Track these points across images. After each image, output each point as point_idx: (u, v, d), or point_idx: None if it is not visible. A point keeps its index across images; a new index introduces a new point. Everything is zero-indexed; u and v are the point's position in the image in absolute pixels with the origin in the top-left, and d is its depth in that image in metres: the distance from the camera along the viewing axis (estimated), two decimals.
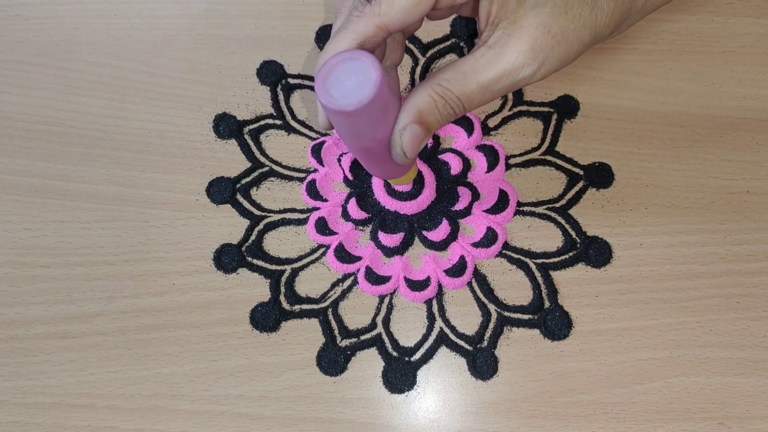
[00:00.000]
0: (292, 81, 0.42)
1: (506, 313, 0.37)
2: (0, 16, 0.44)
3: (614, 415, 0.35)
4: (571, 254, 0.38)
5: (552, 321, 0.36)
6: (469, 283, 0.37)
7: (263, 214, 0.39)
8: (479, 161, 0.40)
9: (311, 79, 0.42)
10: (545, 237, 0.39)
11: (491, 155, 0.39)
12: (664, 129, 0.41)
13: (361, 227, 0.39)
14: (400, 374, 0.36)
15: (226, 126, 0.41)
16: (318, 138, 0.41)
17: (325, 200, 0.39)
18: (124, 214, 0.39)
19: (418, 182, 0.38)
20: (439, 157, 0.39)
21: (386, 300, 0.37)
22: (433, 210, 0.38)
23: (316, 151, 0.40)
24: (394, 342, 0.36)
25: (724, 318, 0.37)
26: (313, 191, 0.39)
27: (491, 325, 0.36)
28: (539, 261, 0.38)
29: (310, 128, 0.41)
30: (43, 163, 0.40)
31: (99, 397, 0.35)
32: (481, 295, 0.37)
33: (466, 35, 0.43)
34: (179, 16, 0.44)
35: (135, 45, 0.43)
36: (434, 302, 0.37)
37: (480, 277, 0.38)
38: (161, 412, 0.35)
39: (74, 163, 0.40)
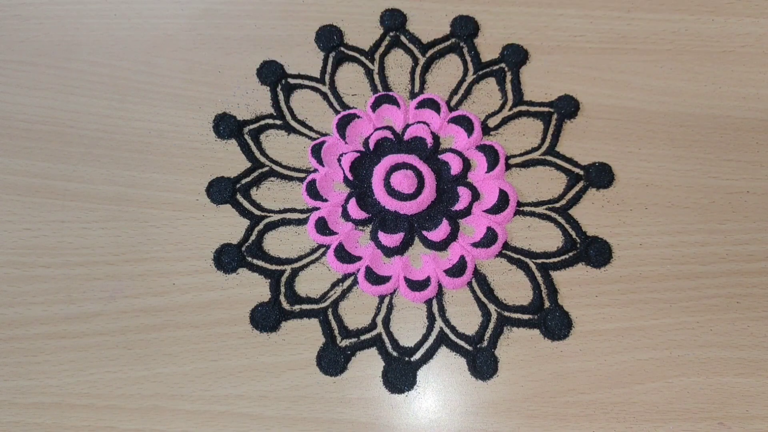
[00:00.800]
0: (292, 81, 0.42)
1: (506, 313, 0.37)
2: (0, 16, 0.44)
3: (614, 415, 0.35)
4: (571, 254, 0.38)
5: (552, 321, 0.36)
6: (469, 283, 0.37)
7: (263, 214, 0.39)
8: (479, 161, 0.40)
9: (311, 79, 0.42)
10: (545, 237, 0.39)
11: (491, 155, 0.39)
12: (664, 129, 0.41)
13: (361, 227, 0.39)
14: (400, 374, 0.36)
15: (226, 126, 0.41)
16: (318, 138, 0.41)
17: (325, 200, 0.39)
18: (124, 214, 0.39)
19: (419, 182, 0.38)
20: (439, 157, 0.39)
21: (386, 300, 0.37)
22: (433, 210, 0.38)
23: (316, 151, 0.40)
24: (394, 342, 0.36)
25: (724, 318, 0.37)
26: (313, 191, 0.39)
27: (491, 325, 0.36)
28: (539, 261, 0.38)
29: (310, 128, 0.41)
30: (43, 163, 0.40)
31: (99, 397, 0.35)
32: (481, 295, 0.37)
33: (466, 35, 0.43)
34: (179, 16, 0.44)
35: (135, 45, 0.43)
36: (434, 302, 0.37)
37: (480, 277, 0.38)
38: (161, 412, 0.35)
39: (74, 163, 0.40)
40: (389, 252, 0.38)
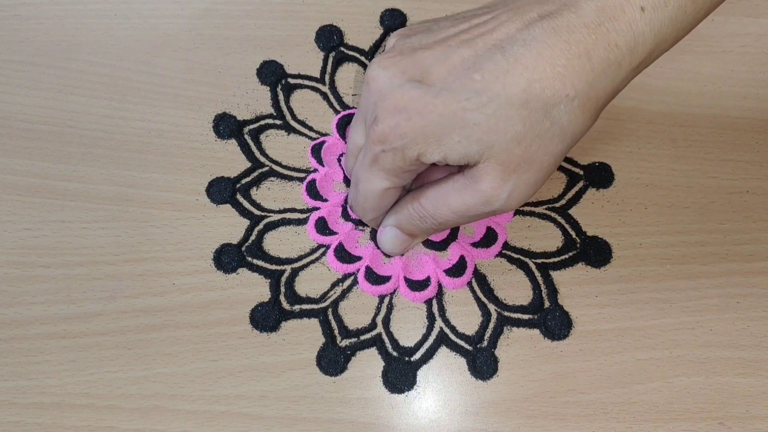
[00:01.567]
0: (292, 81, 0.42)
1: (506, 313, 0.37)
2: (0, 16, 0.44)
3: (614, 415, 0.35)
4: (571, 254, 0.38)
5: (552, 321, 0.36)
6: (469, 283, 0.37)
7: (263, 214, 0.39)
8: None
9: (311, 79, 0.42)
10: (545, 237, 0.39)
11: None
12: (664, 129, 0.41)
13: (361, 227, 0.39)
14: (400, 374, 0.36)
15: (226, 126, 0.41)
16: (318, 138, 0.41)
17: (325, 200, 0.39)
18: (124, 214, 0.39)
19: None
20: None
21: (386, 300, 0.37)
22: None
23: (316, 151, 0.40)
24: (394, 342, 0.36)
25: (724, 318, 0.37)
26: (313, 191, 0.39)
27: (491, 325, 0.36)
28: (539, 261, 0.38)
29: (310, 128, 0.41)
30: (43, 163, 0.40)
31: (99, 397, 0.35)
32: (481, 295, 0.37)
33: None
34: (179, 16, 0.44)
35: (135, 45, 0.43)
36: (434, 302, 0.37)
37: (480, 277, 0.38)
38: (161, 412, 0.35)
39: (74, 163, 0.40)
40: None
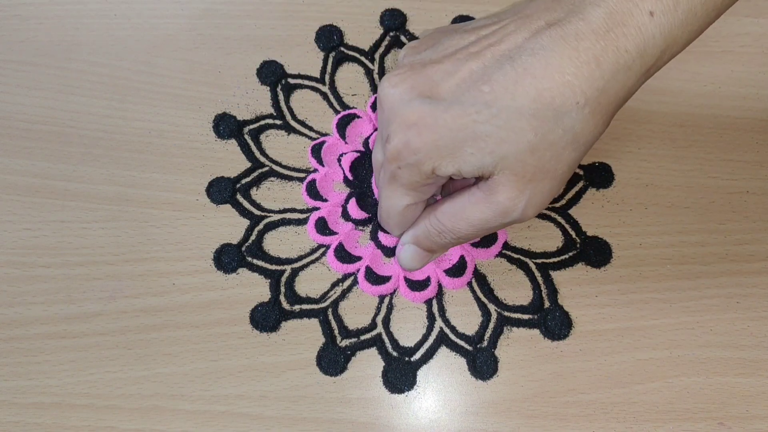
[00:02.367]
0: (292, 81, 0.42)
1: (506, 313, 0.37)
2: (0, 16, 0.44)
3: (614, 415, 0.35)
4: (571, 254, 0.38)
5: (552, 321, 0.36)
6: (469, 283, 0.37)
7: (263, 214, 0.39)
8: None
9: (311, 78, 0.42)
10: (545, 237, 0.39)
11: None
12: (664, 129, 0.41)
13: (361, 227, 0.39)
14: (400, 374, 0.36)
15: (226, 126, 0.41)
16: (318, 138, 0.41)
17: (325, 200, 0.39)
18: (124, 214, 0.39)
19: None
20: None
21: (386, 300, 0.37)
22: None
23: (316, 151, 0.40)
24: (394, 342, 0.36)
25: (724, 318, 0.37)
26: (313, 191, 0.39)
27: (491, 325, 0.36)
28: (539, 261, 0.38)
29: (310, 128, 0.41)
30: (43, 163, 0.40)
31: (99, 397, 0.35)
32: (481, 295, 0.37)
33: None
34: (179, 16, 0.44)
35: (135, 45, 0.43)
36: (434, 302, 0.37)
37: (480, 277, 0.38)
38: (161, 412, 0.35)
39: (74, 163, 0.40)
40: (389, 252, 0.38)
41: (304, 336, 0.36)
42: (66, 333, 0.36)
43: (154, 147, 0.40)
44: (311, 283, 0.37)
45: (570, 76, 0.26)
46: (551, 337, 0.36)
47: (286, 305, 0.37)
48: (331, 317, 0.37)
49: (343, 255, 0.37)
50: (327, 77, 0.42)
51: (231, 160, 0.40)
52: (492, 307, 0.37)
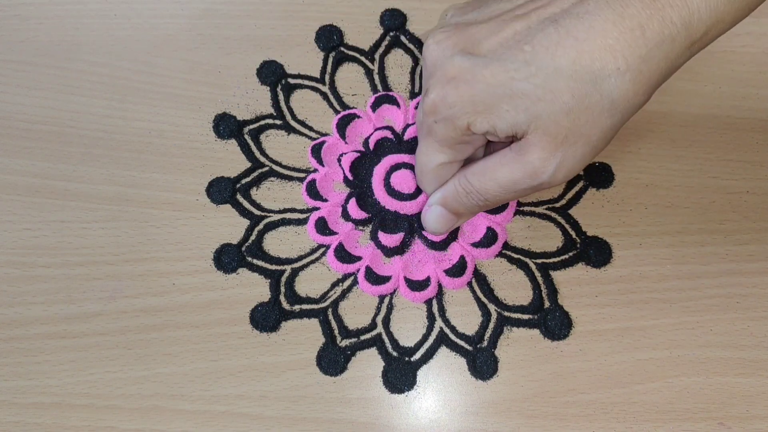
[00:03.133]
0: (292, 81, 0.42)
1: (506, 313, 0.37)
2: (0, 16, 0.44)
3: (614, 415, 0.35)
4: (571, 254, 0.38)
5: (552, 321, 0.36)
6: (469, 283, 0.37)
7: (263, 214, 0.39)
8: None
9: (311, 79, 0.42)
10: (545, 237, 0.39)
11: None
12: (664, 129, 0.41)
13: (361, 227, 0.39)
14: (400, 374, 0.36)
15: (226, 126, 0.41)
16: (318, 138, 0.41)
17: (325, 200, 0.39)
18: (124, 214, 0.39)
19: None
20: None
21: (386, 300, 0.37)
22: None
23: (316, 151, 0.40)
24: (394, 342, 0.36)
25: (724, 318, 0.37)
26: (313, 191, 0.39)
27: (491, 325, 0.36)
28: (539, 261, 0.38)
29: (310, 128, 0.41)
30: (43, 163, 0.40)
31: (99, 397, 0.35)
32: (481, 295, 0.37)
33: None
34: (179, 16, 0.44)
35: (135, 45, 0.43)
36: (434, 302, 0.37)
37: (480, 277, 0.38)
38: (161, 412, 0.35)
39: (74, 163, 0.40)
40: (389, 252, 0.38)
41: (304, 336, 0.36)
42: (66, 333, 0.36)
43: (154, 147, 0.40)
44: (311, 283, 0.37)
45: (612, 40, 0.26)
46: (551, 337, 0.36)
47: (286, 305, 0.37)
48: (331, 317, 0.37)
49: (343, 255, 0.37)
50: (327, 77, 0.42)
51: (231, 160, 0.40)
52: (492, 307, 0.37)
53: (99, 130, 0.41)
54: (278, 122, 0.41)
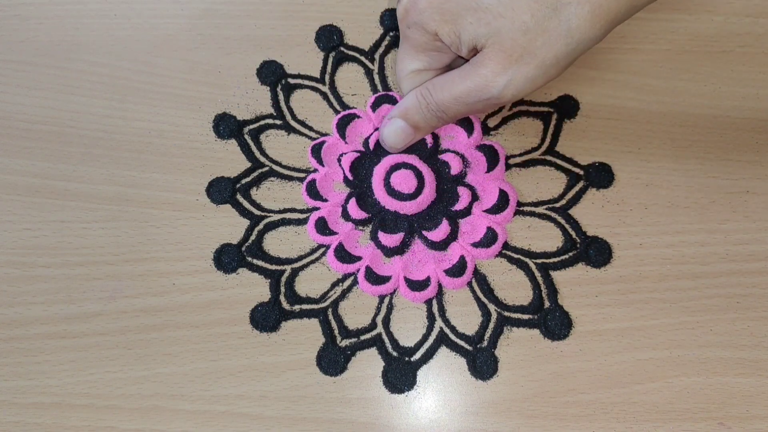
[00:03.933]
0: (292, 81, 0.42)
1: (506, 313, 0.37)
2: (0, 16, 0.44)
3: (614, 415, 0.35)
4: (571, 254, 0.38)
5: (552, 321, 0.36)
6: (469, 283, 0.37)
7: (263, 214, 0.39)
8: (479, 161, 0.40)
9: (311, 79, 0.42)
10: (545, 237, 0.39)
11: (491, 155, 0.39)
12: (664, 129, 0.41)
13: (361, 227, 0.39)
14: (400, 374, 0.36)
15: (226, 126, 0.41)
16: (318, 138, 0.41)
17: (325, 200, 0.39)
18: (124, 214, 0.39)
19: (419, 182, 0.38)
20: (439, 157, 0.39)
21: (386, 300, 0.37)
22: (433, 210, 0.38)
23: (316, 151, 0.40)
24: (394, 342, 0.36)
25: (724, 318, 0.37)
26: (313, 191, 0.39)
27: (491, 325, 0.36)
28: (539, 261, 0.38)
29: (310, 128, 0.41)
30: (43, 163, 0.40)
31: (99, 397, 0.35)
32: (481, 295, 0.37)
33: None
34: (179, 16, 0.44)
35: (135, 45, 0.43)
36: (434, 302, 0.37)
37: (480, 277, 0.38)
38: (161, 412, 0.35)
39: (74, 163, 0.40)
40: (389, 252, 0.38)
41: (304, 336, 0.36)
42: (66, 333, 0.36)
43: (154, 147, 0.40)
44: (311, 283, 0.38)
45: None
46: (551, 337, 0.36)
47: (286, 305, 0.37)
48: (331, 317, 0.37)
49: (343, 255, 0.37)
50: (327, 77, 0.42)
51: (231, 160, 0.40)
52: (492, 307, 0.37)
53: (99, 130, 0.41)
54: (278, 122, 0.41)
